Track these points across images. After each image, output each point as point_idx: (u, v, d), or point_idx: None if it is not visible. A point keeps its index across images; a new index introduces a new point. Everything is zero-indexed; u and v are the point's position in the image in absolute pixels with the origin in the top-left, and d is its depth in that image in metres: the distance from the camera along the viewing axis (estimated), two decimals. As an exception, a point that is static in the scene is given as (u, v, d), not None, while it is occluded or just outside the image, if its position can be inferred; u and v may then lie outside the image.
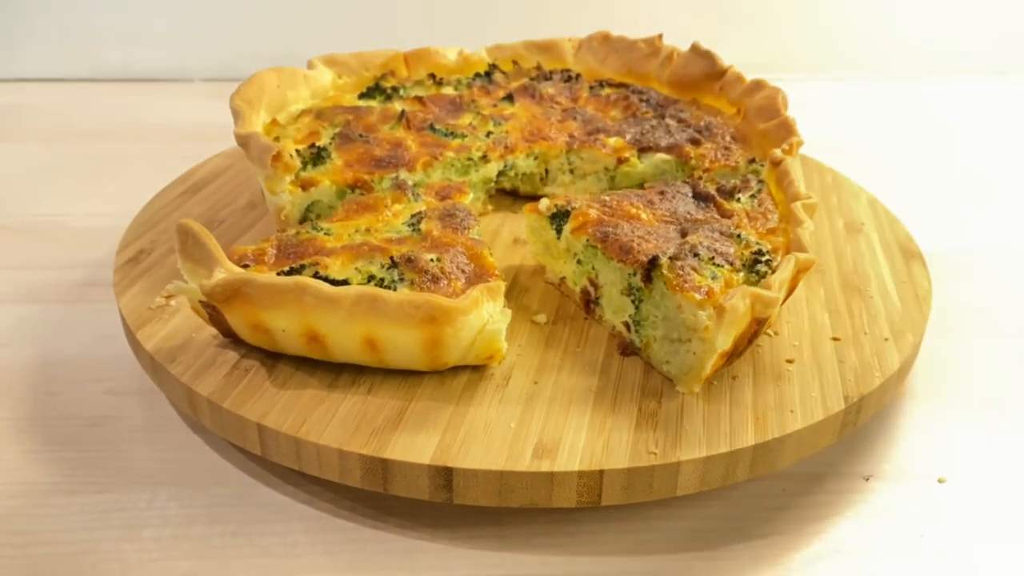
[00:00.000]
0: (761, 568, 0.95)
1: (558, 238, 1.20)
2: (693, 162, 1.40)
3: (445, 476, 0.91)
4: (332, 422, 0.96)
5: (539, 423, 0.97)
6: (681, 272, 1.02)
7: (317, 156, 1.33)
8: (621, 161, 1.44)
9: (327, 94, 1.60)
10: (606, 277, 1.13)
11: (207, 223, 1.40)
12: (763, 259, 1.07)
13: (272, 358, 1.06)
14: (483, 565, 0.94)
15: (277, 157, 1.24)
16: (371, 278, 1.02)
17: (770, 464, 0.97)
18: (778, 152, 1.30)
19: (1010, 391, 1.23)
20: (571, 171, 1.48)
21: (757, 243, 1.12)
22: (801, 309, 1.20)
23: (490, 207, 1.47)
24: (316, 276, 1.01)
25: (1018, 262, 1.57)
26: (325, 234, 1.12)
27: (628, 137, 1.48)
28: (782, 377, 1.06)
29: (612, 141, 1.47)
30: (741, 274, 1.05)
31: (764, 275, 1.05)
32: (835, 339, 1.14)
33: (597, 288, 1.15)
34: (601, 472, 0.91)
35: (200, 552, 0.95)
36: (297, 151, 1.32)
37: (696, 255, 1.06)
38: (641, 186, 1.44)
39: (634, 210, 1.19)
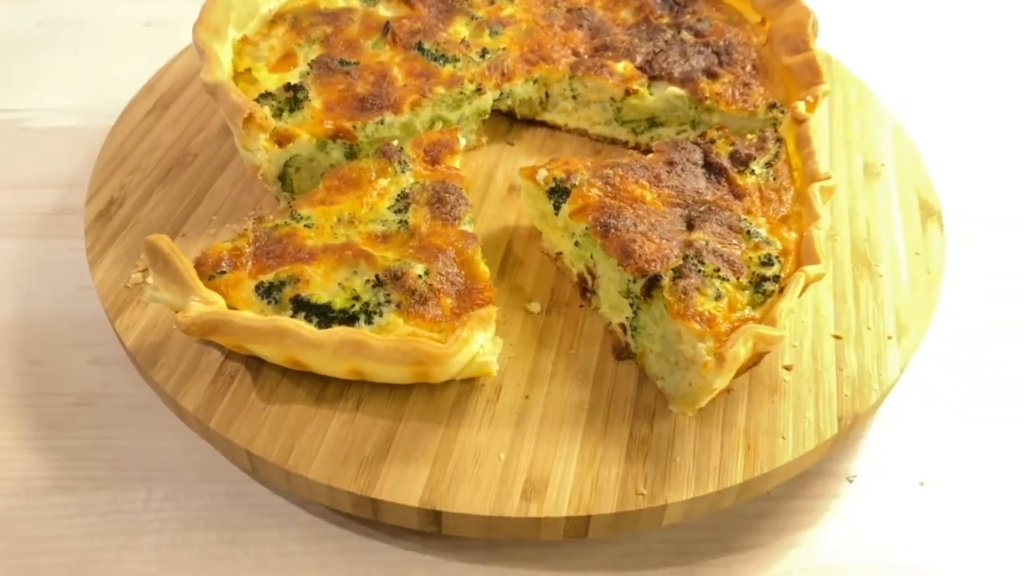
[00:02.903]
0: (738, 586, 0.99)
1: (556, 214, 1.13)
2: (708, 102, 1.28)
3: (434, 516, 0.92)
4: (321, 449, 0.96)
5: (528, 454, 0.96)
6: (683, 296, 0.97)
7: (294, 99, 1.20)
8: (629, 93, 1.31)
9: (304, -18, 1.42)
10: (604, 271, 1.07)
11: (180, 157, 1.31)
12: (770, 274, 1.01)
13: (257, 361, 1.03)
14: (472, 581, 0.98)
15: (249, 119, 1.12)
16: (355, 298, 0.97)
17: (756, 492, 0.98)
18: (801, 108, 1.19)
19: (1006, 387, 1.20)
20: (574, 98, 1.36)
21: (767, 240, 1.05)
22: (806, 294, 1.15)
23: (484, 138, 1.36)
24: (297, 299, 0.96)
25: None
26: (305, 226, 1.05)
27: (639, 59, 1.34)
28: (778, 390, 1.04)
29: (620, 67, 1.33)
30: (747, 292, 1.00)
31: (770, 294, 1.00)
32: (837, 337, 1.10)
33: (595, 278, 1.10)
34: (588, 517, 0.92)
35: (199, 564, 0.98)
36: (271, 95, 1.20)
37: (700, 266, 1.00)
38: (646, 147, 1.33)
39: (639, 190, 1.10)
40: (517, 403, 1.01)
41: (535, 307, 1.12)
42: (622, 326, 1.07)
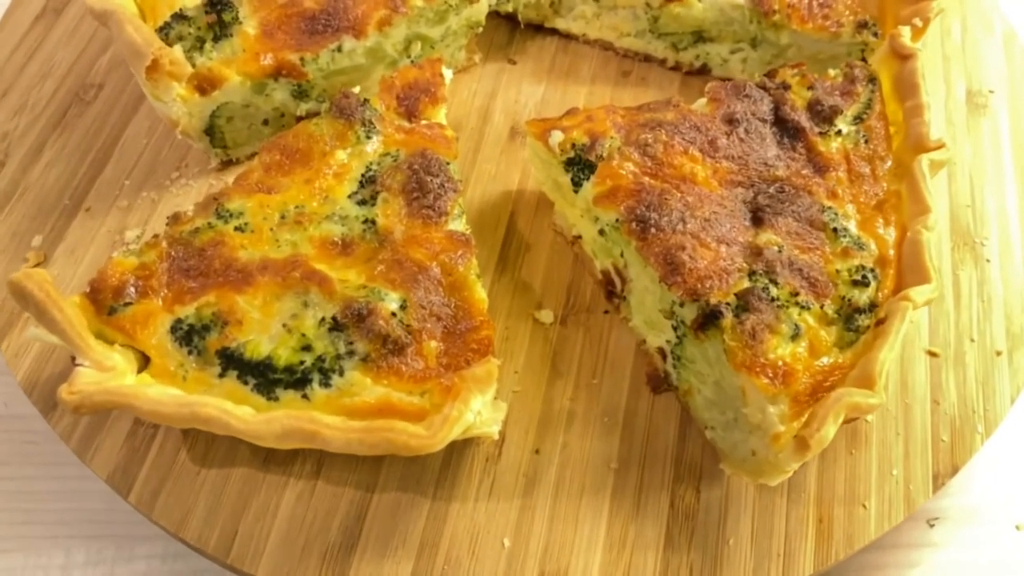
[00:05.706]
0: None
1: (575, 190, 0.85)
2: (777, 17, 0.96)
3: (421, 629, 0.72)
4: (272, 534, 0.74)
5: (540, 538, 0.75)
6: (751, 340, 0.71)
7: (219, 23, 0.88)
8: (670, -1, 0.99)
9: None
10: (639, 279, 0.81)
11: (79, 89, 1.00)
12: (864, 302, 0.75)
13: (187, 403, 0.79)
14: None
15: (154, 67, 0.81)
16: (306, 348, 0.71)
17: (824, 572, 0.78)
18: (904, 37, 0.88)
19: None
20: (596, 1, 1.03)
21: (858, 242, 0.79)
22: (893, 291, 0.89)
23: (477, 56, 1.04)
24: (226, 353, 0.70)
25: None
26: (236, 229, 0.77)
27: (682, -51, 1.00)
28: (857, 437, 0.81)
29: (659, -39, 0.99)
30: (834, 329, 0.74)
31: (863, 330, 0.74)
32: (932, 353, 0.86)
33: (625, 282, 0.84)
34: (618, 630, 0.72)
35: (133, 659, 0.80)
36: (186, 18, 0.88)
37: (773, 287, 0.74)
38: (689, 67, 1.02)
39: (689, 164, 0.82)
40: (525, 461, 0.79)
41: (546, 316, 0.87)
42: (661, 351, 0.82)
